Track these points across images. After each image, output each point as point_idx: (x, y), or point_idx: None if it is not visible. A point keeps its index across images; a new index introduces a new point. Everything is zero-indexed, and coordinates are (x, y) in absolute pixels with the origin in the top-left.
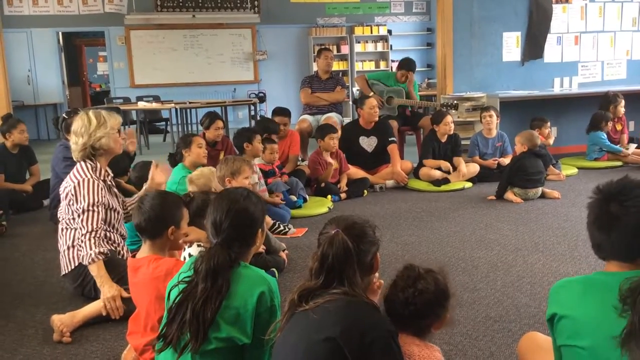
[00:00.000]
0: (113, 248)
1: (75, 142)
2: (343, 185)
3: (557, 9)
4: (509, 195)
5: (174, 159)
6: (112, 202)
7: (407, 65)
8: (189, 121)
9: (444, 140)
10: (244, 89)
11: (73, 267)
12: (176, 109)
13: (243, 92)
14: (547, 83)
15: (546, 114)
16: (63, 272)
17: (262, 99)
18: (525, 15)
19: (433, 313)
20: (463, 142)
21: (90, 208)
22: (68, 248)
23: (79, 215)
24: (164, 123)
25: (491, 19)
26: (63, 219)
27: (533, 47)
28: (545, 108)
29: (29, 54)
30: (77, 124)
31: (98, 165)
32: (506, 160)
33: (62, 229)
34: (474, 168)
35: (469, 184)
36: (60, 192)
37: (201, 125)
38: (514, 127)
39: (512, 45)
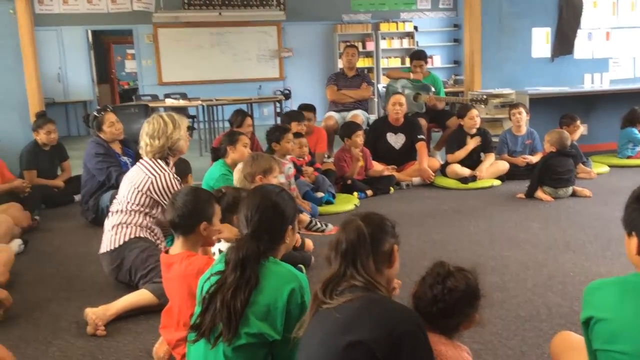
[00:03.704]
0: (153, 239)
1: (150, 144)
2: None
3: (587, 4)
4: (539, 193)
5: (217, 154)
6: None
7: (416, 55)
8: (215, 118)
9: (472, 134)
10: (269, 86)
11: (115, 247)
12: (203, 106)
13: (268, 89)
14: (577, 79)
15: (576, 111)
16: (103, 251)
17: (287, 96)
18: (555, 11)
19: (462, 312)
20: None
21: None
22: (113, 227)
23: (163, 204)
24: (191, 120)
25: (520, 14)
26: (119, 201)
27: (563, 43)
28: (575, 105)
29: (60, 51)
30: (152, 126)
31: (171, 163)
32: (535, 159)
33: (114, 211)
34: (503, 166)
35: (497, 182)
36: (126, 179)
37: (229, 123)
38: (543, 124)
39: (541, 41)
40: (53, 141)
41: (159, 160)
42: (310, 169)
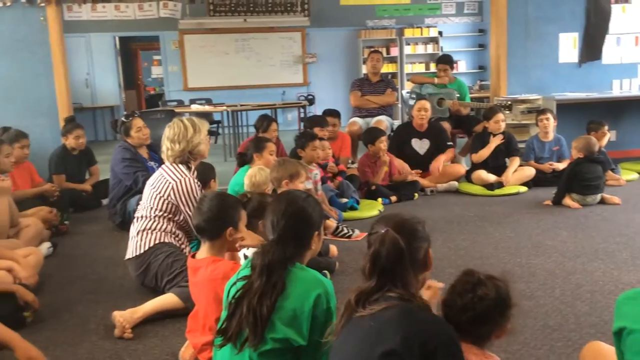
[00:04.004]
0: (177, 244)
1: (172, 148)
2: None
3: (616, 9)
4: (567, 200)
5: (243, 159)
6: None
7: (442, 59)
8: (240, 123)
9: (495, 135)
10: (293, 91)
11: (140, 253)
12: (228, 112)
13: (292, 94)
14: (606, 85)
15: (604, 117)
16: (129, 256)
17: (311, 101)
18: (583, 16)
19: (492, 321)
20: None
21: (193, 203)
22: (138, 233)
23: (184, 207)
24: (215, 125)
25: (547, 19)
26: (143, 207)
27: (591, 48)
28: (603, 111)
29: (88, 58)
30: (173, 130)
31: (192, 167)
32: (562, 165)
33: (138, 217)
34: (529, 172)
35: (523, 189)
36: (148, 185)
37: (255, 128)
38: (571, 130)
39: (569, 47)
40: (81, 146)
41: (180, 165)
42: (334, 165)
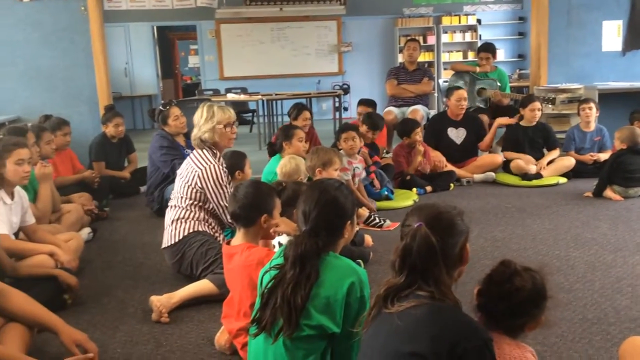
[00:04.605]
0: (211, 232)
1: (194, 133)
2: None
3: None
4: (608, 192)
5: (273, 149)
6: None
7: (484, 47)
8: (274, 112)
9: (529, 127)
10: (328, 80)
11: (174, 242)
12: (263, 101)
13: (327, 84)
14: None
15: None
16: (164, 245)
17: (346, 90)
18: (628, 3)
19: (527, 312)
20: (558, 136)
21: (220, 190)
22: (172, 222)
23: (211, 196)
24: (250, 114)
25: (590, 6)
26: (175, 197)
27: (635, 36)
28: None
29: (127, 47)
30: (195, 115)
31: (217, 153)
32: (603, 156)
33: (171, 206)
34: (568, 162)
35: (563, 180)
36: (178, 174)
37: (288, 116)
38: (613, 120)
39: (612, 35)
40: (121, 134)
41: (205, 151)
42: (365, 152)
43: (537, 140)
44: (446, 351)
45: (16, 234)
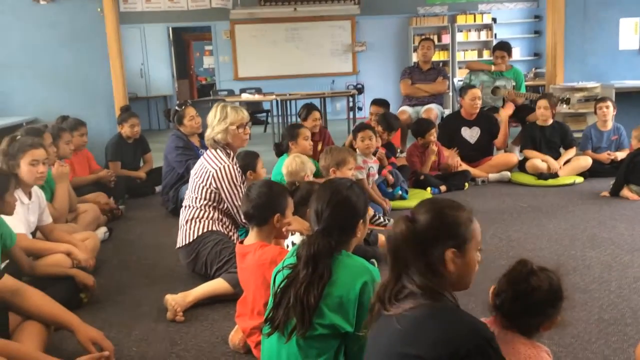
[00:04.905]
0: (225, 232)
1: (207, 132)
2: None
3: None
4: (625, 192)
5: (279, 149)
6: None
7: (499, 45)
8: (288, 112)
9: (546, 127)
10: (342, 80)
11: (189, 242)
12: (277, 101)
13: (341, 83)
14: None
15: None
16: (179, 245)
17: (360, 90)
18: None
19: (543, 312)
20: (575, 135)
21: (235, 190)
22: (187, 222)
23: (226, 197)
24: (265, 114)
25: (607, 4)
26: (189, 197)
27: None
28: None
29: (142, 48)
30: (208, 116)
31: (231, 153)
32: (621, 155)
33: (185, 206)
34: (585, 162)
35: (579, 179)
36: (192, 174)
37: (299, 117)
38: (630, 119)
39: (629, 32)
40: (136, 134)
41: (218, 151)
42: (382, 153)
43: (554, 140)
44: (448, 355)
45: (33, 234)
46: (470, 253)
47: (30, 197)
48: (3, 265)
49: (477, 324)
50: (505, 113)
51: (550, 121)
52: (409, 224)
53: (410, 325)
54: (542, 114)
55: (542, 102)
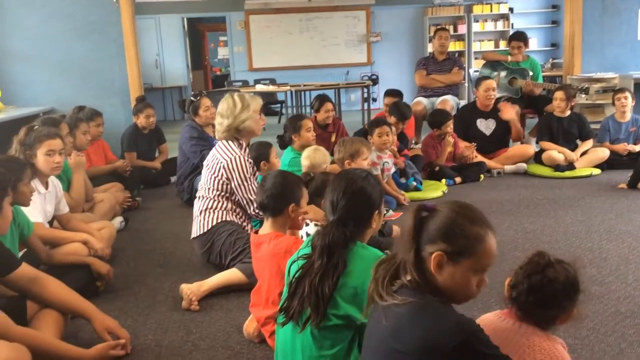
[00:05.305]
0: (239, 222)
1: (220, 123)
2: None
3: None
4: None
5: (283, 141)
6: None
7: (515, 35)
8: (302, 103)
9: (564, 118)
10: (357, 71)
11: (203, 232)
12: (291, 92)
13: (356, 74)
14: None
15: None
16: (193, 236)
17: (374, 81)
18: None
19: (559, 305)
20: (592, 127)
21: (245, 182)
22: (201, 213)
23: (236, 188)
24: (279, 105)
25: None
26: (202, 187)
27: None
28: None
29: (157, 39)
30: (223, 106)
31: (243, 144)
32: (638, 147)
33: (199, 197)
34: (603, 153)
35: (597, 171)
36: (204, 166)
37: (311, 108)
38: None
39: None
40: (152, 125)
41: (230, 143)
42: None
43: (571, 132)
44: (433, 352)
45: (50, 223)
46: (464, 268)
47: (47, 187)
48: (21, 254)
49: (461, 320)
50: (507, 115)
51: (568, 112)
52: (421, 212)
53: (395, 322)
54: (559, 106)
55: (559, 94)
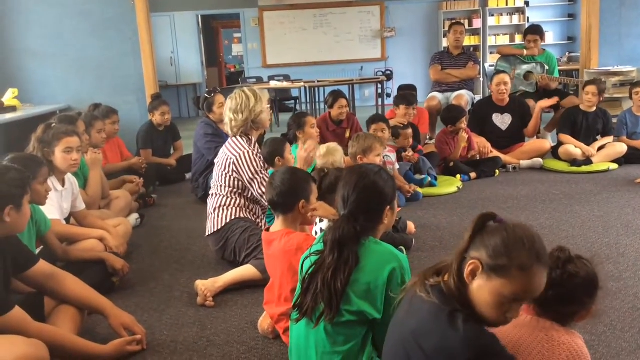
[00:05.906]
0: (252, 219)
1: (235, 119)
2: None
3: None
4: None
5: (287, 139)
6: None
7: (531, 29)
8: (316, 99)
9: (589, 113)
10: (371, 67)
11: (217, 229)
12: (305, 88)
13: (370, 70)
14: None
15: None
16: (208, 233)
17: (389, 76)
18: None
19: (579, 301)
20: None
21: (256, 176)
22: (214, 210)
23: (249, 183)
24: (293, 102)
25: None
26: (214, 185)
27: None
28: None
29: (172, 36)
30: (236, 101)
31: (253, 140)
32: None
33: (212, 194)
34: (620, 148)
35: (614, 166)
36: (216, 163)
37: (325, 104)
38: None
39: None
40: (167, 122)
41: (239, 138)
42: (410, 154)
43: (595, 127)
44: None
45: (67, 220)
46: (495, 287)
47: (63, 184)
48: (38, 250)
49: (471, 334)
50: (544, 103)
51: (594, 108)
52: (487, 218)
53: (418, 321)
54: (589, 100)
55: (591, 88)
